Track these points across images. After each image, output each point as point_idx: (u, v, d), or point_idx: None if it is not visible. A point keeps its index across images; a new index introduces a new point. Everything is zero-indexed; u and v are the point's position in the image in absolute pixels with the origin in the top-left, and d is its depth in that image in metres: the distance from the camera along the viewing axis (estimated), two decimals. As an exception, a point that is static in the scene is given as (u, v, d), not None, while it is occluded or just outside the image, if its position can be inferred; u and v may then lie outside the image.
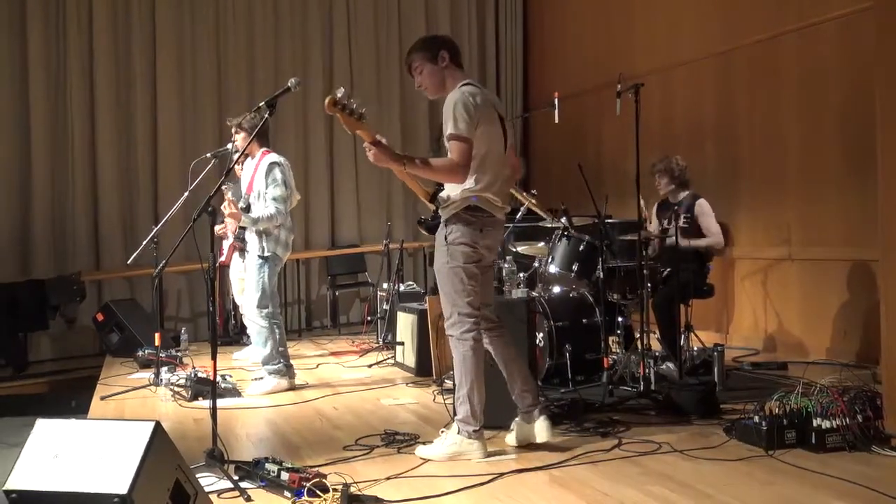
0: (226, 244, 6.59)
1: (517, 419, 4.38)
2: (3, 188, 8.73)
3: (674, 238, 6.11)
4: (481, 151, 4.06)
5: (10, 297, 8.12)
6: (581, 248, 6.06)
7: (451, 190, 4.12)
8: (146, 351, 7.07)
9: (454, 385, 4.28)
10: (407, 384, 6.28)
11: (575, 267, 6.03)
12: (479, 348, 4.13)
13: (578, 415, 4.86)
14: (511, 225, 6.52)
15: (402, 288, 7.88)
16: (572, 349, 5.81)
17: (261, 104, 4.24)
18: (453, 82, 4.19)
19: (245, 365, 7.18)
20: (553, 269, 6.12)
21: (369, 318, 9.19)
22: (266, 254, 6.05)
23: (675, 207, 6.49)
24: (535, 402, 4.31)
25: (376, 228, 10.25)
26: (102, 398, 5.98)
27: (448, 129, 4.02)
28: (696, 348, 6.23)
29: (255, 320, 6.12)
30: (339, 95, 3.86)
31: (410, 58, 4.26)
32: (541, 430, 4.26)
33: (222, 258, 6.59)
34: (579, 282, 6.09)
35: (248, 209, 6.13)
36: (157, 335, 6.41)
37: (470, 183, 4.06)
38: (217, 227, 6.30)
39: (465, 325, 4.12)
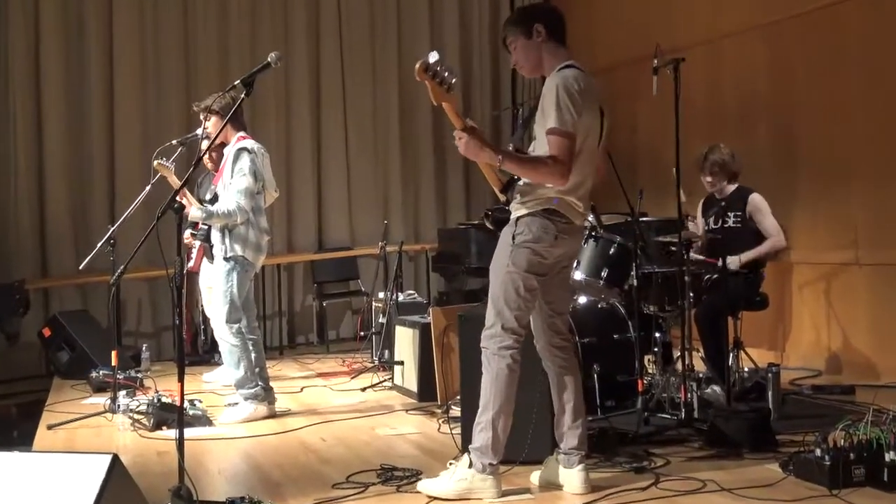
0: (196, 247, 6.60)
1: (552, 458, 4.40)
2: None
3: (719, 237, 6.10)
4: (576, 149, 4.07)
5: (-57, 308, 8.10)
6: (611, 251, 6.03)
7: (531, 184, 4.12)
8: (101, 372, 7.06)
9: (462, 410, 4.28)
10: (407, 411, 6.27)
11: (604, 273, 6.01)
12: (515, 369, 4.14)
13: (609, 447, 4.85)
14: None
15: (401, 298, 7.87)
16: (601, 370, 5.80)
17: (236, 83, 4.25)
18: (552, 62, 4.19)
19: (216, 388, 7.18)
20: (578, 275, 6.10)
21: (363, 334, 9.19)
22: (229, 254, 6.05)
23: (721, 203, 6.48)
24: (580, 446, 4.32)
25: (371, 228, 10.26)
26: (50, 427, 5.97)
27: (550, 120, 4.01)
28: (746, 369, 6.21)
29: (224, 337, 6.12)
30: (431, 61, 3.87)
31: (505, 31, 4.31)
32: (575, 480, 4.27)
33: (191, 263, 6.60)
34: (609, 290, 6.07)
35: (213, 201, 6.15)
36: (113, 353, 6.40)
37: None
38: (185, 234, 6.32)
39: (507, 340, 4.13)
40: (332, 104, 10.40)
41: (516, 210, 4.18)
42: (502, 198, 4.21)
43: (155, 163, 6.13)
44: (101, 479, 2.88)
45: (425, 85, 3.92)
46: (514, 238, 4.14)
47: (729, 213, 6.47)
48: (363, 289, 9.99)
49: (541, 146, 4.09)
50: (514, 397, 4.16)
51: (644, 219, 6.77)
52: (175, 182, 5.90)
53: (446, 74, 3.90)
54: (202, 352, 8.72)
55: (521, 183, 4.15)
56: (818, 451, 4.18)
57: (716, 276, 6.25)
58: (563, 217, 4.13)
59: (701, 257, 6.30)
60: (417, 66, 3.87)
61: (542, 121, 4.08)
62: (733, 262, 6.21)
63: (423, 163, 10.87)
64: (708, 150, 6.63)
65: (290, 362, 8.79)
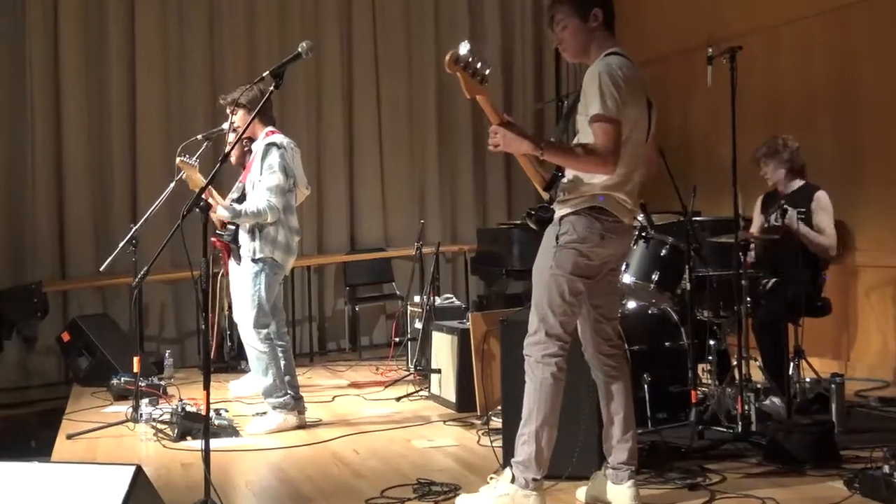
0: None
1: (599, 473, 4.38)
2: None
3: (778, 236, 6.06)
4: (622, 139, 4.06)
5: (-44, 311, 8.18)
6: (663, 252, 6.01)
7: (576, 181, 4.12)
8: (122, 379, 7.11)
9: (503, 422, 4.27)
10: (445, 422, 6.27)
11: (655, 276, 5.98)
12: (561, 378, 4.12)
13: (660, 462, 4.83)
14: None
15: (438, 302, 7.86)
16: (652, 380, 5.77)
17: (264, 74, 4.27)
18: (598, 49, 4.18)
19: (244, 397, 7.21)
20: (627, 278, 6.07)
21: (397, 340, 9.18)
22: (257, 256, 6.06)
23: (784, 200, 6.43)
24: (630, 461, 4.29)
25: (406, 228, 10.28)
26: (69, 436, 6.03)
27: (593, 107, 3.99)
28: (808, 379, 6.16)
29: (252, 343, 6.14)
30: (462, 52, 3.88)
31: (554, 8, 4.29)
32: (624, 497, 4.24)
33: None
34: (660, 295, 6.04)
35: (240, 200, 6.16)
36: (135, 359, 6.45)
37: (599, 177, 4.06)
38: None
39: (551, 347, 4.12)
40: (366, 97, 10.42)
41: (560, 208, 4.16)
42: (545, 196, 4.20)
43: (178, 159, 6.15)
44: (124, 492, 2.89)
45: (457, 77, 3.91)
46: (557, 238, 4.13)
47: (788, 210, 6.40)
48: (398, 292, 10.00)
49: (585, 138, 4.08)
50: (559, 408, 4.14)
51: (697, 218, 6.73)
52: (199, 180, 5.92)
53: (479, 65, 3.90)
54: (228, 358, 8.74)
55: (565, 180, 4.14)
56: (886, 468, 4.16)
57: (774, 280, 6.22)
58: (611, 215, 4.11)
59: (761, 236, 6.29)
60: (447, 57, 3.87)
61: (584, 110, 4.07)
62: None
63: (461, 159, 10.86)
64: (766, 140, 6.61)
65: (321, 370, 8.82)
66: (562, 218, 4.15)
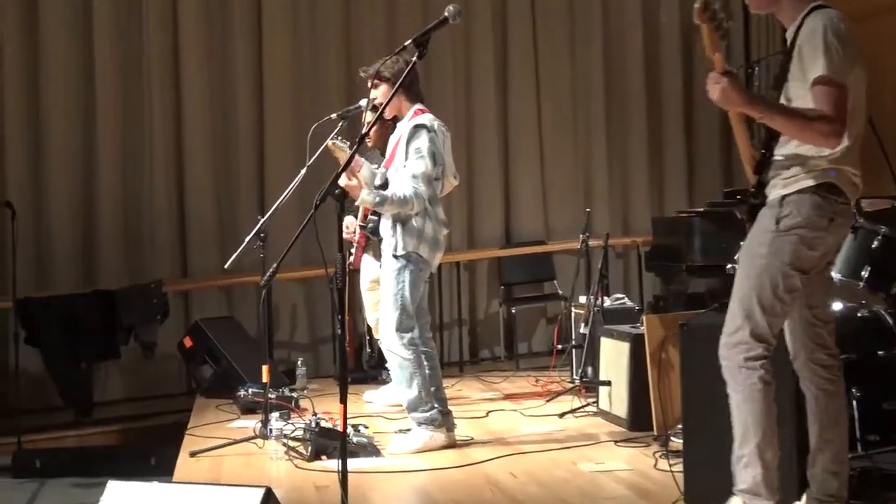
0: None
1: (799, 503, 4.29)
2: (62, 172, 9.12)
3: None
4: (848, 105, 3.94)
5: (69, 313, 8.39)
6: (874, 244, 5.85)
7: (800, 154, 4.03)
8: (250, 390, 7.25)
9: (685, 442, 4.21)
10: (616, 442, 6.23)
11: (865, 273, 5.83)
12: (770, 382, 4.01)
13: (873, 493, 4.73)
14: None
15: (607, 303, 7.82)
16: (862, 395, 5.62)
17: (406, 43, 4.30)
18: (798, 4, 4.08)
19: (384, 411, 7.28)
20: (833, 275, 5.94)
21: (560, 347, 9.16)
22: (401, 251, 6.09)
23: None
24: (839, 491, 4.19)
25: (569, 218, 10.27)
26: (192, 454, 6.18)
27: (816, 68, 3.89)
28: None
29: (394, 349, 6.18)
30: None
31: None
32: None
33: (350, 259, 6.68)
34: (871, 295, 5.89)
35: (384, 188, 6.20)
36: (264, 368, 6.55)
37: (826, 149, 3.97)
38: (345, 225, 6.39)
39: (755, 349, 4.02)
40: (523, 69, 10.43)
41: (780, 188, 4.04)
42: (753, 179, 4.12)
43: (329, 142, 6.21)
44: (252, 516, 2.95)
45: (702, 29, 3.84)
46: (778, 222, 4.02)
47: None
48: (560, 292, 9.98)
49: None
50: (776, 417, 4.03)
51: (918, 203, 6.54)
52: (337, 149, 5.99)
53: (723, 17, 3.83)
54: (367, 367, 8.83)
55: (778, 158, 4.04)
56: None
57: None
58: (841, 194, 3.99)
59: None
60: (697, 4, 3.80)
61: (801, 74, 3.95)
62: None
63: (633, 138, 10.78)
64: None
65: (472, 381, 8.86)
66: (783, 198, 4.04)
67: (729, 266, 5.22)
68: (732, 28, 10.96)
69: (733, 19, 3.75)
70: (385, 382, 7.83)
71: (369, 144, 7.36)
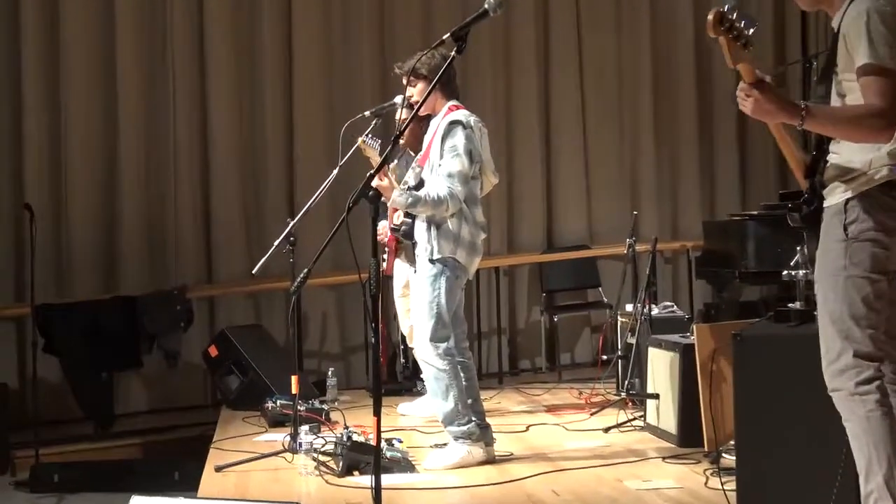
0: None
1: None
2: (83, 173, 9.18)
3: None
4: None
5: (90, 320, 8.47)
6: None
7: (855, 152, 3.95)
8: (278, 402, 7.27)
9: (738, 458, 4.17)
10: (664, 458, 6.22)
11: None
12: (888, 405, 3.86)
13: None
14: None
15: (655, 311, 7.80)
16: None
17: (444, 37, 4.30)
18: None
19: (419, 424, 7.29)
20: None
21: (605, 358, 9.15)
22: (436, 255, 6.08)
23: None
24: None
25: (615, 221, 10.25)
26: (217, 468, 6.18)
27: (861, 56, 3.82)
28: None
29: (429, 360, 6.16)
30: (727, 8, 3.81)
31: None
32: None
33: (383, 265, 6.70)
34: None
35: (418, 187, 6.20)
36: (293, 379, 6.57)
37: (883, 145, 3.89)
38: (380, 228, 6.39)
39: (866, 371, 3.89)
40: (565, 63, 10.43)
41: (839, 192, 3.97)
42: (804, 184, 4.08)
43: (359, 140, 6.22)
44: (281, 535, 2.97)
45: (720, 42, 3.80)
46: (846, 229, 3.94)
47: None
48: (605, 300, 9.98)
49: (855, 100, 3.89)
50: None
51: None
52: (369, 149, 5.99)
53: (742, 25, 3.79)
54: (402, 378, 8.83)
55: (833, 158, 3.99)
56: None
57: None
58: None
59: None
60: (711, 17, 3.73)
61: (849, 64, 3.89)
62: None
63: (684, 137, 10.75)
64: None
65: (512, 393, 8.85)
66: (846, 204, 3.99)
67: (785, 273, 5.18)
68: (788, 21, 10.95)
69: (758, 22, 3.65)
70: (420, 394, 7.84)
71: (401, 143, 7.35)
